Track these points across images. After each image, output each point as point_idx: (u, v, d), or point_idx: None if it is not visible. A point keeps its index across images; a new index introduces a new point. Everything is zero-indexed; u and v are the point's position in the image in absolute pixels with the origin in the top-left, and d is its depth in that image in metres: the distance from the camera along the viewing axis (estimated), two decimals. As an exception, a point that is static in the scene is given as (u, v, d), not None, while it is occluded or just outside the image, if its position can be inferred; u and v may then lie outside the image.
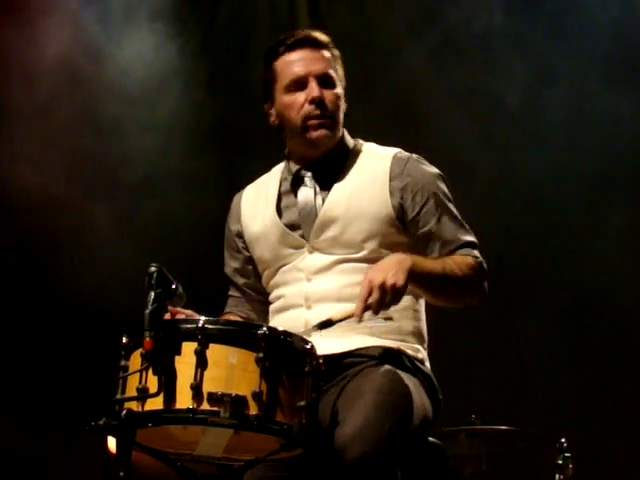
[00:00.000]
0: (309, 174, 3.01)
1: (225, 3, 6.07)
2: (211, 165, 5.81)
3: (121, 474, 2.24)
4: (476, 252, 2.92)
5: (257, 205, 3.09)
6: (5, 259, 5.54)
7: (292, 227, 2.99)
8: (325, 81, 2.99)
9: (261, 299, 3.11)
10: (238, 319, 3.07)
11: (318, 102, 2.95)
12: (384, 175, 2.96)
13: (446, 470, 2.94)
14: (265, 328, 2.37)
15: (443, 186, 2.99)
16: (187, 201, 5.74)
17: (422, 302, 2.99)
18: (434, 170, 3.02)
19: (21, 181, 5.37)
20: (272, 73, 3.03)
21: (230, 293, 3.18)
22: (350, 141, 3.07)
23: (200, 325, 2.35)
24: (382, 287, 2.59)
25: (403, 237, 2.93)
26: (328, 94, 2.98)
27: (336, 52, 3.07)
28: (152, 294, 2.38)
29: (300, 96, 2.97)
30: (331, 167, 3.01)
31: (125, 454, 2.27)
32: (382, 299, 2.60)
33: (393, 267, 2.66)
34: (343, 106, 3.03)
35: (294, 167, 3.05)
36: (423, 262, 2.79)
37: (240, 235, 3.12)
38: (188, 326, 2.37)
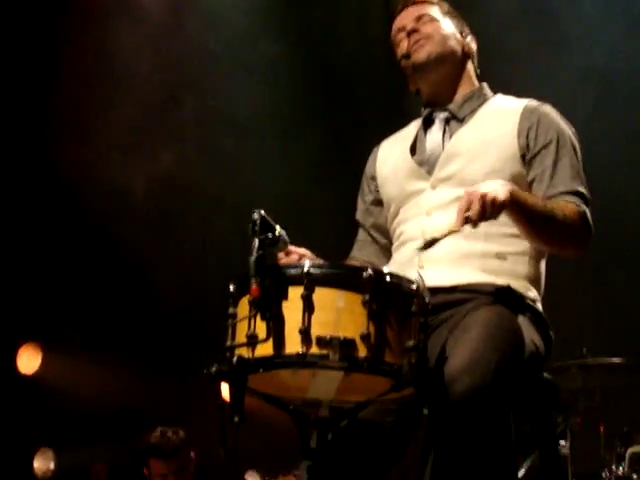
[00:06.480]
0: (441, 116, 3.07)
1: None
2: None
3: (235, 419, 2.26)
4: (584, 205, 2.87)
5: (393, 149, 3.18)
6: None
7: (421, 164, 3.03)
8: (420, 20, 3.10)
9: (386, 243, 3.15)
10: (353, 263, 3.10)
11: (410, 33, 3.07)
12: (514, 117, 2.97)
13: (560, 405, 2.91)
14: (370, 270, 2.36)
15: (572, 138, 2.97)
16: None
17: (543, 253, 2.95)
18: (565, 123, 3.00)
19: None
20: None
21: (357, 237, 3.24)
22: (488, 92, 3.12)
23: (305, 269, 2.34)
24: (482, 199, 2.56)
25: (526, 179, 2.91)
26: (421, 24, 3.08)
27: (443, 4, 3.17)
28: (256, 241, 2.38)
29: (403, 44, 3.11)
30: (464, 111, 3.06)
31: (238, 400, 2.29)
32: (482, 211, 2.55)
33: (493, 185, 2.63)
34: (452, 41, 3.09)
35: (426, 111, 3.12)
36: (525, 194, 2.77)
37: (374, 178, 3.20)
38: (293, 271, 2.37)
